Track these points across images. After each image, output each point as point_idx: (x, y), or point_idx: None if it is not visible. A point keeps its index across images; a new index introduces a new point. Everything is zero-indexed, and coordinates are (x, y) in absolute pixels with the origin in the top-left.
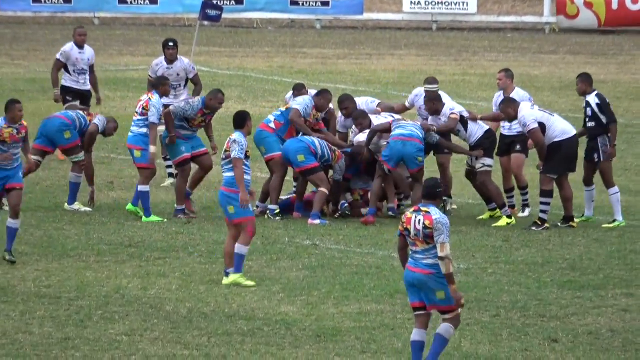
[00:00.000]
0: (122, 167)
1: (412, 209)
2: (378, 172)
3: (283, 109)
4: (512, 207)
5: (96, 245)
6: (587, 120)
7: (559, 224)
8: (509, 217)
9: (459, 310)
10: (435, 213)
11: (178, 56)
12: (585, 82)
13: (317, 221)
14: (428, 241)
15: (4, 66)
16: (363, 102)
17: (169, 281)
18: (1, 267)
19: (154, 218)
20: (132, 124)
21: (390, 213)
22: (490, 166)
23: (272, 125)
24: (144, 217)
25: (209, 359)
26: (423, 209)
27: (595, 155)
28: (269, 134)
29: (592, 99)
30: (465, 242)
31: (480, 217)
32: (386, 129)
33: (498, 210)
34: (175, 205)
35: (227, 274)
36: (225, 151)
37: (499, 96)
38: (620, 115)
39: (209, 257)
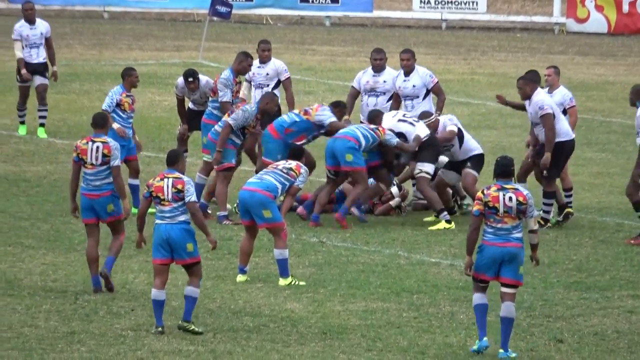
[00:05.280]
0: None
1: (494, 187)
2: (327, 181)
3: (301, 114)
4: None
5: (103, 239)
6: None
7: (559, 220)
8: (448, 222)
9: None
10: (524, 189)
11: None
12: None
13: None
14: (520, 216)
15: (12, 59)
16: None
17: (175, 276)
18: (7, 260)
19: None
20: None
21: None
22: (428, 172)
23: (282, 132)
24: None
25: (215, 354)
26: (508, 186)
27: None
28: (273, 140)
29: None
30: None
31: (426, 219)
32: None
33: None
34: (218, 213)
35: (242, 271)
36: (288, 170)
37: (545, 93)
38: (628, 117)
39: (215, 253)
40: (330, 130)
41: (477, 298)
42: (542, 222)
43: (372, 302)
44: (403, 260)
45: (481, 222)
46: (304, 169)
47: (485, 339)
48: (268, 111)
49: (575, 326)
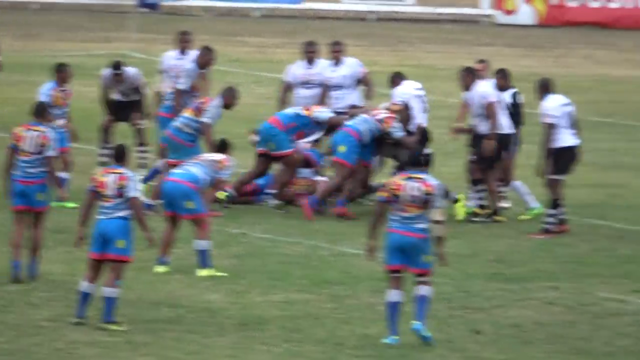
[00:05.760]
0: None
1: (401, 176)
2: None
3: (303, 112)
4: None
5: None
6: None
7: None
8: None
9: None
10: (432, 179)
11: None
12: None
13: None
14: (425, 206)
15: None
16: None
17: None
18: None
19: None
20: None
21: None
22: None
23: (285, 125)
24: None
25: (132, 345)
26: (415, 175)
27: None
28: (279, 132)
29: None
30: None
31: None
32: None
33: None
34: (144, 200)
35: (161, 262)
36: (214, 162)
37: (488, 84)
38: None
39: (136, 243)
40: (330, 127)
41: (391, 295)
42: (480, 211)
43: (292, 293)
44: (325, 252)
45: (384, 208)
46: (230, 162)
47: (394, 337)
48: (231, 106)
49: (494, 317)
